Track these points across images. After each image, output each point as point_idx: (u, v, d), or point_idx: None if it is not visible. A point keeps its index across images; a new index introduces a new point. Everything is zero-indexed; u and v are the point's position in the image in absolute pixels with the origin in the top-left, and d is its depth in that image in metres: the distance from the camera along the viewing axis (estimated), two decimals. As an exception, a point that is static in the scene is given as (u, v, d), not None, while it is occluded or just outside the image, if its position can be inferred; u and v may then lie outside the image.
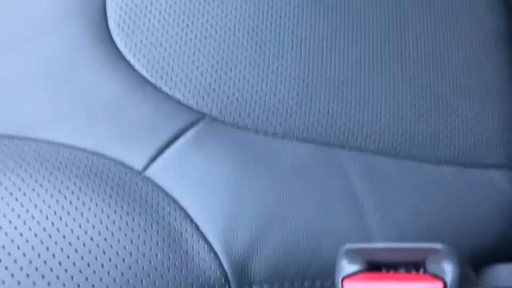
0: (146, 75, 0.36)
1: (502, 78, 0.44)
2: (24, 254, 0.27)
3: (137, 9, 0.38)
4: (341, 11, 0.42)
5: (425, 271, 0.25)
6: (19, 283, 0.27)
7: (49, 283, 0.27)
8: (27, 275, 0.27)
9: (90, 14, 0.38)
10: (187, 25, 0.38)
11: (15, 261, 0.27)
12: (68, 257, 0.28)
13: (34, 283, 0.27)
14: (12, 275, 0.27)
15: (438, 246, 0.24)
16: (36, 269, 0.27)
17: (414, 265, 0.25)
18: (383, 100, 0.40)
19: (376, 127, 0.39)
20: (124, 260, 0.29)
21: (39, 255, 0.27)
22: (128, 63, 0.37)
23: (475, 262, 0.38)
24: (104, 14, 0.38)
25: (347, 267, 0.26)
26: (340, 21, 0.41)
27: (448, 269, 0.24)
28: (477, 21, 0.45)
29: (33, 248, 0.28)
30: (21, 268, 0.27)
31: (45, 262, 0.27)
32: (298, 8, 0.41)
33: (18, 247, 0.28)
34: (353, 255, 0.26)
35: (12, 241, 0.28)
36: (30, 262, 0.27)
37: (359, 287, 0.25)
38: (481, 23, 0.45)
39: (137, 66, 0.37)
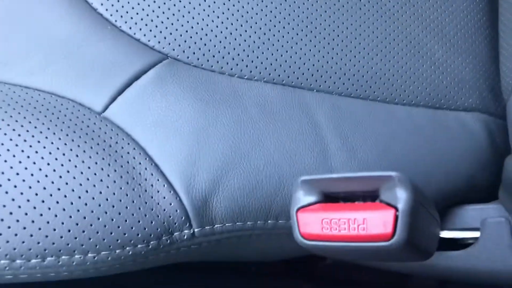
0: (105, 14, 0.35)
1: (476, 24, 0.43)
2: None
3: None
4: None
5: (379, 200, 0.24)
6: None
7: (1, 219, 0.27)
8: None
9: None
10: (148, -38, 0.37)
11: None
12: (21, 193, 0.27)
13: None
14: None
15: (392, 173, 0.24)
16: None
17: (371, 195, 0.25)
18: (354, 42, 0.39)
19: (345, 69, 0.38)
20: (79, 197, 0.28)
21: (-10, 192, 0.27)
22: (86, 1, 0.35)
23: (443, 203, 0.38)
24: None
25: (302, 198, 0.26)
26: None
27: (401, 196, 0.23)
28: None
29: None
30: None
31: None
32: None
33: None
34: (309, 186, 0.26)
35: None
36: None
37: (312, 218, 0.25)
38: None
39: (96, 4, 0.35)
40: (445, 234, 0.38)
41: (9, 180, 0.27)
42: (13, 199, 0.27)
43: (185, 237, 0.30)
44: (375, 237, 0.24)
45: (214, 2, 0.37)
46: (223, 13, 0.37)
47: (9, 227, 0.27)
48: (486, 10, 0.43)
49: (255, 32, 0.37)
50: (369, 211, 0.24)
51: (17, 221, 0.27)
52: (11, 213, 0.27)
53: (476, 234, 0.37)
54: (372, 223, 0.24)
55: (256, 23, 0.37)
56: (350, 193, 0.26)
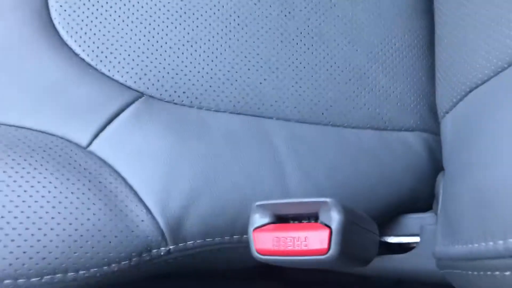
0: (87, 59, 0.40)
1: (415, 51, 0.48)
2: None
3: (77, -2, 0.41)
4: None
5: (319, 221, 0.30)
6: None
7: (5, 246, 0.31)
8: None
9: (32, 4, 0.41)
10: (124, 12, 0.42)
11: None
12: (21, 223, 0.32)
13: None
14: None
15: (327, 199, 0.29)
16: (-7, 235, 0.31)
17: (314, 216, 0.31)
18: (306, 74, 0.44)
19: (300, 99, 0.43)
20: (70, 223, 0.33)
21: (-6, 223, 0.32)
22: (70, 49, 0.40)
23: (388, 213, 0.44)
24: (46, 3, 0.41)
25: (257, 220, 0.31)
26: (266, 3, 0.45)
27: (334, 218, 0.29)
28: (396, -3, 0.49)
29: (-12, 217, 0.32)
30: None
31: (0, 228, 0.32)
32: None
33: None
34: (263, 210, 0.31)
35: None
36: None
37: (266, 236, 0.30)
38: (400, -1, 0.50)
39: (78, 50, 0.40)
40: (391, 239, 0.44)
41: (10, 212, 0.32)
42: (13, 228, 0.32)
43: (162, 253, 0.36)
44: (314, 251, 0.29)
45: (183, 45, 0.42)
46: (191, 53, 0.42)
47: (11, 252, 0.31)
48: (425, 42, 0.49)
49: (220, 70, 0.42)
50: (310, 231, 0.29)
51: (18, 246, 0.32)
52: (12, 240, 0.32)
53: (417, 239, 0.43)
54: (312, 241, 0.29)
55: (220, 61, 0.42)
56: (298, 214, 0.31)
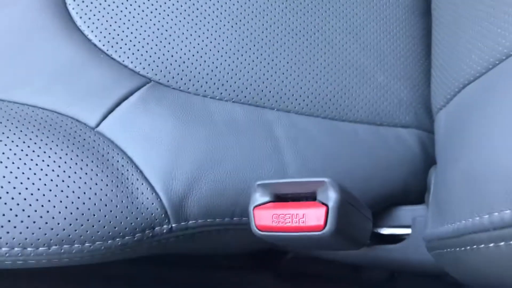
0: (98, 44, 0.42)
1: (413, 48, 0.50)
2: (-7, 191, 0.33)
3: (91, -15, 0.43)
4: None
5: (317, 200, 0.32)
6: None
7: (16, 215, 0.33)
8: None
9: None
10: (135, 0, 0.43)
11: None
12: (32, 194, 0.34)
13: (3, 215, 0.33)
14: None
15: (325, 179, 0.31)
16: (5, 203, 0.33)
17: (311, 196, 0.32)
18: (308, 68, 0.46)
19: (301, 91, 0.45)
20: (78, 197, 0.35)
21: (7, 192, 0.33)
22: (82, 33, 0.42)
23: (382, 204, 0.46)
24: (61, -10, 0.43)
25: (258, 198, 0.33)
26: (272, -2, 0.47)
27: (331, 196, 0.30)
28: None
29: (1, 187, 0.33)
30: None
31: (12, 198, 0.33)
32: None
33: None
34: (263, 189, 0.33)
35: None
36: (-1, 197, 0.33)
37: (265, 213, 0.32)
38: (399, -1, 0.52)
39: (90, 36, 0.42)
40: (383, 230, 0.46)
41: (21, 183, 0.34)
42: (25, 199, 0.33)
43: (164, 231, 0.37)
44: (311, 228, 0.31)
45: (191, 35, 0.44)
46: (198, 43, 0.44)
47: (22, 221, 0.33)
48: (422, 42, 0.51)
49: (225, 60, 0.44)
50: (308, 208, 0.31)
51: (28, 216, 0.33)
52: (23, 210, 0.33)
53: (408, 230, 0.44)
54: (309, 217, 0.31)
55: (226, 52, 0.44)
56: (296, 194, 0.33)
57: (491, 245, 0.24)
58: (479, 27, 0.38)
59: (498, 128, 0.27)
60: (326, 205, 0.30)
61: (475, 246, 0.25)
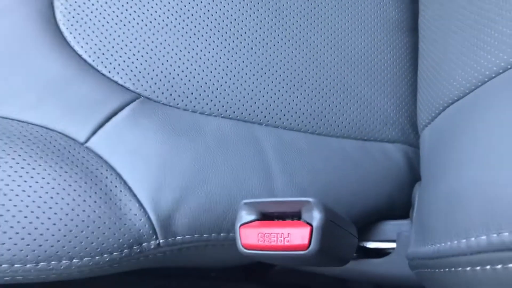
0: (89, 60, 0.42)
1: (400, 65, 0.51)
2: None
3: (81, 1, 0.44)
4: (262, 4, 0.48)
5: (302, 219, 0.32)
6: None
7: (4, 232, 0.33)
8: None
9: (38, 4, 0.43)
10: (125, 17, 0.44)
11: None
12: (20, 211, 0.34)
13: (-9, 232, 0.33)
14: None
15: (309, 199, 0.31)
16: (-7, 220, 0.33)
17: (297, 215, 0.33)
18: (297, 84, 0.47)
19: (289, 107, 0.46)
20: (67, 214, 0.35)
21: (-5, 210, 0.34)
22: (72, 49, 0.42)
23: (367, 219, 0.46)
24: (51, 5, 0.43)
25: (244, 217, 0.33)
26: (263, 10, 0.48)
27: (316, 216, 0.31)
28: (382, 13, 0.52)
29: (-10, 204, 0.34)
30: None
31: (1, 215, 0.33)
32: (226, 2, 0.47)
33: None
34: (250, 207, 0.33)
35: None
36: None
37: (251, 232, 0.33)
38: (386, 14, 0.52)
39: (81, 52, 0.42)
40: (369, 244, 0.47)
41: (10, 200, 0.34)
42: (13, 216, 0.34)
43: (152, 246, 0.38)
44: (296, 247, 0.31)
45: (181, 51, 0.44)
46: (188, 60, 0.44)
47: (10, 238, 0.33)
48: (409, 58, 0.52)
49: (214, 76, 0.45)
50: (292, 228, 0.32)
51: (17, 233, 0.33)
52: (12, 227, 0.33)
53: (393, 245, 0.45)
54: (294, 237, 0.31)
55: (215, 68, 0.45)
56: (282, 213, 0.33)
57: (468, 268, 0.25)
58: (462, 48, 0.39)
59: (478, 151, 0.28)
60: (311, 225, 0.31)
61: (453, 269, 0.26)
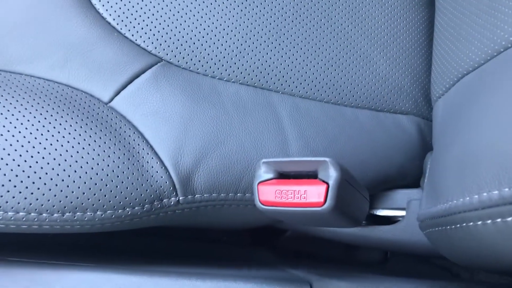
0: (113, 23, 0.43)
1: (415, 39, 0.52)
2: (13, 159, 0.35)
3: (106, -35, 0.45)
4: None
5: (318, 178, 0.33)
6: (9, 180, 0.34)
7: (33, 182, 0.35)
8: (4, 174, 0.34)
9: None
10: (149, -19, 0.45)
11: (6, 164, 0.35)
12: (48, 163, 0.35)
13: (21, 181, 0.34)
14: (5, 174, 0.34)
15: (326, 158, 0.33)
16: (23, 171, 0.35)
17: (313, 174, 0.34)
18: (314, 54, 0.48)
19: (305, 76, 0.47)
20: (92, 168, 0.37)
21: (25, 161, 0.35)
22: (97, 12, 0.43)
23: (378, 187, 0.48)
24: (77, -32, 0.44)
25: (262, 175, 0.35)
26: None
27: (332, 175, 0.32)
28: (401, -11, 0.53)
29: (20, 155, 0.35)
30: (12, 170, 0.35)
31: (30, 166, 0.35)
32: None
33: (8, 154, 0.35)
34: (268, 166, 0.35)
35: (3, 149, 0.35)
36: (18, 165, 0.35)
37: (269, 189, 0.34)
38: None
39: (105, 15, 0.43)
40: (379, 212, 0.48)
41: (38, 152, 0.36)
42: (41, 167, 0.35)
43: (172, 203, 0.39)
44: (312, 204, 0.33)
45: (202, 17, 0.45)
46: (208, 26, 0.45)
47: (38, 188, 0.35)
48: (424, 32, 0.53)
49: (234, 43, 0.46)
50: (309, 185, 0.33)
51: (44, 184, 0.35)
52: (40, 178, 0.35)
53: (403, 212, 0.46)
54: (310, 194, 0.33)
55: (235, 35, 0.46)
56: (298, 172, 0.35)
57: (479, 223, 0.26)
58: (479, 19, 0.40)
59: (490, 115, 0.29)
60: (327, 183, 0.32)
61: (464, 224, 0.27)
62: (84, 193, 0.36)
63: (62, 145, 0.36)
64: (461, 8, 0.44)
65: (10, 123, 0.36)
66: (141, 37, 0.43)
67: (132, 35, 0.43)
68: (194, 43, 0.44)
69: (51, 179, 0.35)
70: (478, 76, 0.38)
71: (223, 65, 0.45)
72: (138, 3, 0.44)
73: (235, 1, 0.47)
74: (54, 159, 0.36)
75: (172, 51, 0.44)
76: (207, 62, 0.44)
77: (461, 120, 0.34)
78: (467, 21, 0.42)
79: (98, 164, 0.37)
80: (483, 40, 0.38)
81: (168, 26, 0.44)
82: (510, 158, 0.24)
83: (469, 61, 0.40)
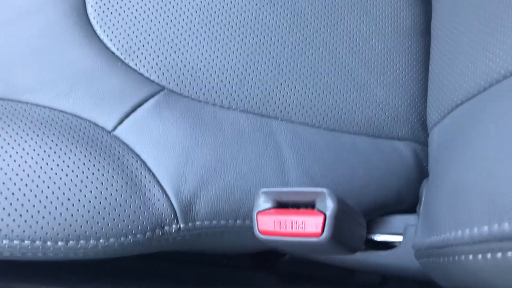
0: (117, 53, 0.45)
1: (412, 66, 0.53)
2: (19, 189, 0.36)
3: (111, -3, 0.46)
4: (281, 4, 0.50)
5: (316, 208, 0.34)
6: (4, 209, 0.35)
7: (38, 211, 0.36)
8: (10, 204, 0.35)
9: (72, 0, 0.46)
10: (152, 13, 0.46)
11: (12, 194, 0.36)
12: (53, 192, 0.36)
13: (27, 211, 0.35)
14: (11, 203, 0.35)
15: (323, 189, 0.34)
16: (29, 200, 0.36)
17: (311, 204, 0.35)
18: (312, 81, 0.49)
19: (304, 103, 0.48)
20: (96, 197, 0.38)
21: (30, 190, 0.36)
22: (102, 42, 0.45)
23: (376, 212, 0.48)
24: (83, 0, 0.46)
25: (261, 204, 0.36)
26: (282, 9, 0.50)
27: (329, 206, 0.33)
28: (396, 15, 0.54)
29: (26, 185, 0.36)
30: (6, 198, 0.36)
31: (35, 195, 0.36)
32: (248, 1, 0.50)
33: (6, 186, 0.36)
34: (266, 196, 0.36)
35: (10, 178, 0.36)
36: (24, 195, 0.36)
37: (268, 219, 0.35)
38: (399, 17, 0.54)
39: (110, 45, 0.45)
40: (377, 237, 0.49)
41: (44, 182, 0.37)
42: (46, 196, 0.36)
43: (173, 230, 0.40)
44: (310, 234, 0.33)
45: (203, 46, 0.46)
46: (210, 55, 0.46)
47: (43, 217, 0.36)
48: (420, 59, 0.54)
49: (234, 71, 0.47)
50: (307, 216, 0.34)
51: (49, 213, 0.36)
52: (45, 207, 0.36)
53: (400, 238, 0.47)
54: (308, 224, 0.34)
55: (235, 64, 0.47)
56: (297, 201, 0.36)
57: (471, 257, 0.27)
58: (472, 51, 0.41)
59: (482, 151, 0.30)
60: (324, 214, 0.33)
61: (457, 257, 0.28)
62: (87, 222, 0.37)
63: (67, 174, 0.37)
64: (455, 38, 0.45)
65: (17, 152, 0.38)
66: (144, 66, 0.45)
67: (136, 65, 0.44)
68: (196, 72, 0.46)
69: (56, 208, 0.36)
70: (471, 107, 0.39)
71: (224, 93, 0.46)
72: (141, 33, 0.45)
73: (236, 31, 0.48)
74: (59, 188, 0.37)
75: (174, 79, 0.45)
76: (208, 91, 0.46)
77: (454, 151, 0.35)
78: (461, 51, 0.43)
79: (101, 193, 0.38)
80: (476, 71, 0.39)
81: (170, 55, 0.45)
82: (499, 194, 0.25)
83: (463, 92, 0.41)
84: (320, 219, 0.33)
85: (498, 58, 0.38)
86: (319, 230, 0.33)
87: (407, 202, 0.49)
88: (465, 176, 0.29)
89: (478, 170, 0.28)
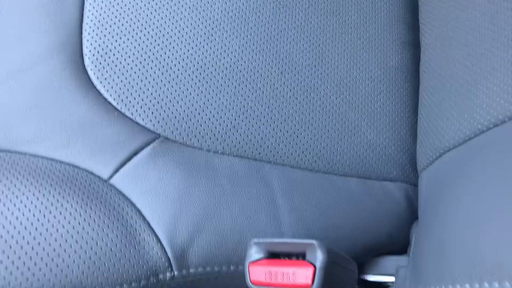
0: (113, 103, 0.46)
1: (401, 108, 0.55)
2: (16, 241, 0.37)
3: (107, 49, 0.48)
4: (272, 51, 0.52)
5: (306, 259, 0.35)
6: (12, 262, 0.36)
7: (35, 263, 0.37)
8: (8, 257, 0.36)
9: (69, 52, 0.47)
10: (148, 63, 0.48)
11: (10, 247, 0.37)
12: (49, 244, 0.37)
13: (24, 263, 0.36)
14: (8, 257, 0.36)
15: (313, 241, 0.35)
16: (26, 253, 0.37)
17: (302, 254, 0.36)
18: (303, 126, 0.50)
19: (296, 147, 0.49)
20: (91, 248, 0.38)
21: (28, 243, 0.37)
22: (99, 92, 0.46)
23: (368, 254, 0.49)
24: (80, 52, 0.47)
25: (253, 255, 0.37)
26: (274, 56, 0.52)
27: (319, 258, 0.34)
28: (385, 59, 0.56)
29: (23, 237, 0.37)
30: (3, 252, 0.36)
31: (32, 248, 0.37)
32: (239, 49, 0.51)
33: (4, 239, 0.37)
34: (258, 246, 0.37)
35: (7, 232, 0.37)
36: (15, 252, 0.37)
37: (259, 270, 0.36)
38: (388, 61, 0.56)
39: (106, 95, 0.46)
40: (369, 277, 0.49)
41: (40, 234, 0.38)
42: (43, 248, 0.37)
43: (167, 278, 0.41)
44: (300, 285, 0.34)
45: (198, 95, 0.48)
46: (204, 103, 0.48)
47: (40, 269, 0.37)
48: (409, 102, 0.55)
49: (228, 118, 0.48)
50: (297, 267, 0.35)
51: (46, 265, 0.37)
52: (42, 259, 0.37)
53: (392, 278, 0.48)
54: (299, 276, 0.34)
55: (229, 111, 0.48)
56: (288, 252, 0.36)
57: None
58: (458, 100, 0.42)
59: (465, 206, 0.31)
60: (314, 265, 0.34)
61: (440, 311, 0.29)
62: (83, 273, 0.38)
63: (63, 226, 0.38)
64: (441, 85, 0.46)
65: (15, 205, 0.39)
66: (140, 115, 0.46)
67: (132, 114, 0.46)
68: (190, 119, 0.47)
69: (53, 259, 0.37)
70: (458, 155, 0.40)
71: (217, 139, 0.47)
72: (137, 83, 0.47)
73: (229, 79, 0.49)
74: (56, 239, 0.38)
75: (169, 127, 0.46)
76: (202, 137, 0.47)
77: (440, 202, 0.36)
78: (447, 100, 0.45)
79: (97, 243, 0.39)
80: (461, 121, 0.41)
81: (166, 104, 0.47)
82: (479, 254, 0.26)
83: (449, 139, 0.42)
84: (310, 270, 0.34)
85: (481, 110, 0.39)
86: (309, 281, 0.34)
87: (399, 243, 0.50)
88: (447, 233, 0.30)
89: (460, 227, 0.29)
